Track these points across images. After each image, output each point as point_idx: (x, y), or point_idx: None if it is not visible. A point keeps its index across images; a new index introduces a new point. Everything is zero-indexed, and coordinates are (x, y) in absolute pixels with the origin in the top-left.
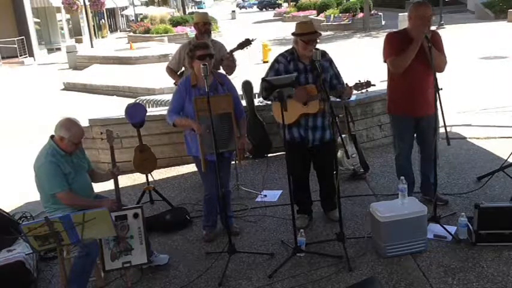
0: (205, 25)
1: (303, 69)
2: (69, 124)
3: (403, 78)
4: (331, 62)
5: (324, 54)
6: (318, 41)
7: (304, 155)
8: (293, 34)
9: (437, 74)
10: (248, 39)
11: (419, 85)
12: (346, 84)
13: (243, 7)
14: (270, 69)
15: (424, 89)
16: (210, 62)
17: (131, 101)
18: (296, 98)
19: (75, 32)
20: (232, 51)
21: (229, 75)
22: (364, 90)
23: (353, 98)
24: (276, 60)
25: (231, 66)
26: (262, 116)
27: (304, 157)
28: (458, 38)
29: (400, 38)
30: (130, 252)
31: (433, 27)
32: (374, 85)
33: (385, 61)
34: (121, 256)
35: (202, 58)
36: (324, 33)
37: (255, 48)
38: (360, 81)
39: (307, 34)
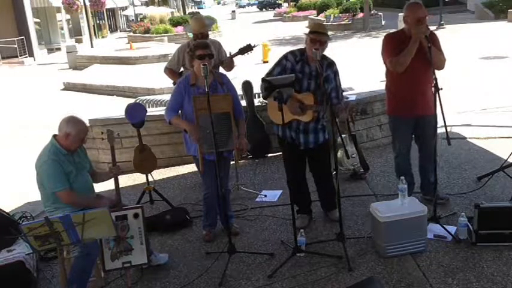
0: (201, 34)
1: (309, 73)
2: (74, 119)
3: (402, 79)
4: (336, 73)
5: (331, 64)
6: (326, 44)
7: (297, 155)
8: (306, 34)
9: (437, 74)
10: (250, 44)
11: (418, 85)
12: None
13: (243, 6)
14: (277, 65)
15: (423, 88)
16: (209, 61)
17: (131, 101)
18: (288, 108)
19: (75, 32)
20: (232, 56)
21: (228, 71)
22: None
23: (353, 97)
24: (285, 57)
25: (230, 66)
26: (262, 116)
27: (297, 157)
28: (458, 38)
29: (398, 39)
30: (131, 252)
31: (433, 27)
32: (368, 114)
33: (384, 62)
34: (121, 256)
35: (202, 58)
36: None
37: (255, 48)
38: (357, 108)
39: (316, 33)
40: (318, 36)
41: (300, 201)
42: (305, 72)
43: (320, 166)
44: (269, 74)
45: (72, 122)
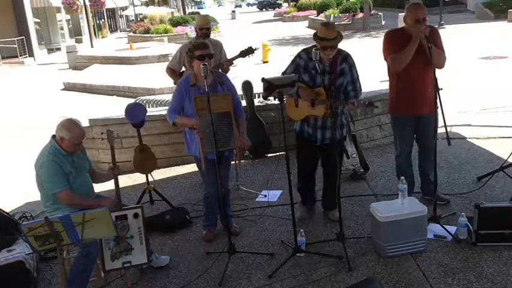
0: (204, 30)
1: (321, 69)
2: (69, 125)
3: (403, 77)
4: (351, 66)
5: (346, 57)
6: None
7: (311, 151)
8: (314, 36)
9: (437, 74)
10: (251, 47)
11: (419, 84)
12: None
13: (239, 6)
14: (292, 63)
15: (424, 87)
16: (209, 62)
17: (131, 101)
18: (303, 97)
19: (75, 32)
20: (233, 58)
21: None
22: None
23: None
24: (299, 55)
25: (226, 71)
26: (262, 116)
27: (311, 153)
28: (458, 38)
29: (399, 36)
30: (131, 252)
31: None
32: (377, 107)
33: (385, 59)
34: (121, 256)
35: (202, 58)
36: None
37: (256, 51)
38: (364, 100)
39: (325, 40)
40: (329, 43)
41: (304, 191)
42: (317, 69)
43: (331, 164)
44: (284, 73)
45: (67, 127)
